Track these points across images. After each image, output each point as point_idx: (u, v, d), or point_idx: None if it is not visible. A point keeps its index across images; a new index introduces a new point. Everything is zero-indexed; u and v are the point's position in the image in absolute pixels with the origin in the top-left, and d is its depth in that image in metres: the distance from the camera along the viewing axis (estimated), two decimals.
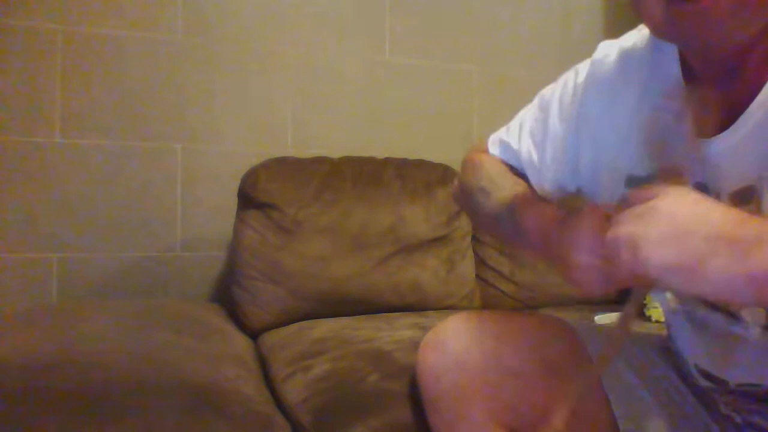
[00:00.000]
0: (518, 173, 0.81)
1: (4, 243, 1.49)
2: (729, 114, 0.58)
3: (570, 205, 0.75)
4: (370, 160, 1.61)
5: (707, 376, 0.69)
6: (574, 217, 0.60)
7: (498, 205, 0.74)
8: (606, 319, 1.40)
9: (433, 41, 1.89)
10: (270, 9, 1.72)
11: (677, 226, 0.47)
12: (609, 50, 0.72)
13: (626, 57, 0.70)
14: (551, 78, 0.80)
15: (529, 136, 0.80)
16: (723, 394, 0.68)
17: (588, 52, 0.76)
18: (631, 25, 0.70)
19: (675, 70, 0.64)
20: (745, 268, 0.44)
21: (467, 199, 0.82)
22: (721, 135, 0.58)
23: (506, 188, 0.75)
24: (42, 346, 0.96)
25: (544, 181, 0.78)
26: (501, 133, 0.85)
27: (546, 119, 0.78)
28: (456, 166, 1.72)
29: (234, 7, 1.69)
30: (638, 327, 1.31)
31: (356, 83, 1.81)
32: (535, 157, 0.79)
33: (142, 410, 0.80)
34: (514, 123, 0.84)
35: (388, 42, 1.84)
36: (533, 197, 0.74)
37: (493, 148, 0.84)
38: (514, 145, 0.81)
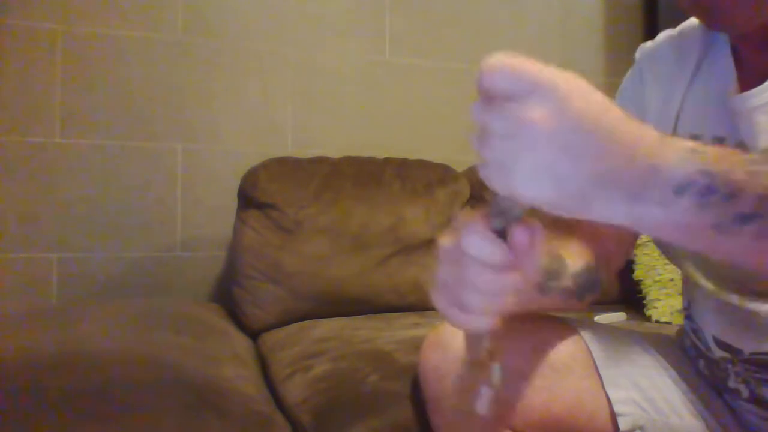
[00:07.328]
0: None
1: (4, 243, 1.49)
2: None
3: None
4: (370, 160, 1.61)
5: (723, 345, 0.69)
6: None
7: None
8: (606, 319, 1.40)
9: (433, 41, 1.89)
10: (270, 9, 1.72)
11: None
12: (658, 39, 0.76)
13: (679, 38, 0.74)
14: None
15: None
16: (736, 364, 0.69)
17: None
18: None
19: (724, 41, 0.67)
20: None
21: None
22: (756, 89, 0.59)
23: None
24: (42, 346, 0.95)
25: None
26: None
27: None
28: (456, 166, 1.73)
29: (234, 7, 1.69)
30: (638, 327, 1.30)
31: (356, 83, 1.81)
32: None
33: (142, 410, 0.80)
34: None
35: (388, 42, 1.84)
36: None
37: None
38: None
